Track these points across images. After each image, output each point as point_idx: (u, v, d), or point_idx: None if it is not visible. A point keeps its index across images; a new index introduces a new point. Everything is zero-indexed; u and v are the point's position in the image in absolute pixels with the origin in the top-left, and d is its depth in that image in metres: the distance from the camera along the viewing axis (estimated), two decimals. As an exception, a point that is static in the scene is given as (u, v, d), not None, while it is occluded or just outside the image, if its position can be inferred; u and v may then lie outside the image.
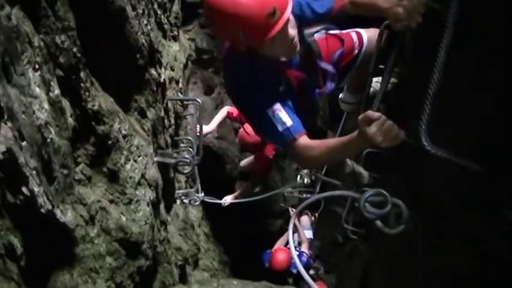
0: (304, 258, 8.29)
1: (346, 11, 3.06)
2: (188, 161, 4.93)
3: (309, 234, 8.99)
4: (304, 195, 8.74)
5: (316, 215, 9.63)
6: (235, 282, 4.93)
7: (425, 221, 2.63)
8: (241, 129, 7.34)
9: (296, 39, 2.88)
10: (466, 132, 2.31)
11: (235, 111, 7.15)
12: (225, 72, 3.38)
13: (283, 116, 2.89)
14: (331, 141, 2.85)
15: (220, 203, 7.23)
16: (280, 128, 2.88)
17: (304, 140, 2.91)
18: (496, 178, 2.05)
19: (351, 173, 3.67)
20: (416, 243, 2.74)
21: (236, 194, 7.99)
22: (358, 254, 4.67)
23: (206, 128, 6.90)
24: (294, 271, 8.26)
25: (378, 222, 2.39)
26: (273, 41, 2.68)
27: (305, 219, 9.37)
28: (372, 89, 3.49)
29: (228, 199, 7.68)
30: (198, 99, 5.45)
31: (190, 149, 5.35)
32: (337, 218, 8.21)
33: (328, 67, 3.57)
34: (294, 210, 9.23)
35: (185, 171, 5.40)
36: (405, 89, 3.56)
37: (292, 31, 2.79)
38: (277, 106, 2.90)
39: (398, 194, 2.43)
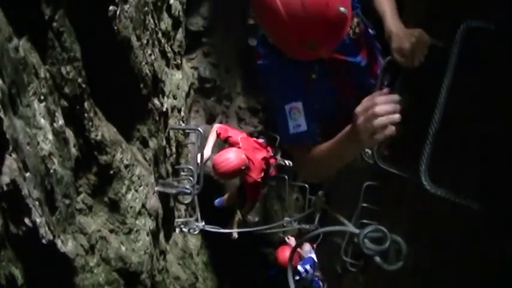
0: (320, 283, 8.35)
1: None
2: (189, 191, 4.93)
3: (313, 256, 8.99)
4: (303, 225, 8.77)
5: (315, 245, 9.62)
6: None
7: (425, 253, 2.63)
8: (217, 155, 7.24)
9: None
10: (468, 172, 2.32)
11: (223, 130, 7.13)
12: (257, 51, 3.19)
13: (300, 119, 2.70)
14: (325, 143, 2.57)
15: (219, 232, 7.19)
16: (291, 130, 2.69)
17: (308, 149, 2.68)
18: (497, 216, 2.06)
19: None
20: (417, 277, 2.73)
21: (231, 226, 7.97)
22: (358, 287, 4.66)
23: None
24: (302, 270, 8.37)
25: (377, 258, 2.40)
26: None
27: (306, 247, 9.36)
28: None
29: (235, 234, 7.67)
30: (199, 128, 5.46)
31: (191, 178, 5.35)
32: (336, 248, 8.22)
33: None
34: (291, 238, 9.24)
35: (186, 202, 5.39)
36: (406, 123, 3.57)
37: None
38: (298, 105, 2.71)
39: (399, 226, 2.45)
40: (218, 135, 7.21)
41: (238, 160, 6.87)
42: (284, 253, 8.40)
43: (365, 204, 4.39)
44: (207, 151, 6.94)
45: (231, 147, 7.16)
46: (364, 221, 5.06)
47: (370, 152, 3.11)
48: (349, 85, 3.03)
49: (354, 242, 5.26)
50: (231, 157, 6.85)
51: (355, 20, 2.87)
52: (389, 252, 2.41)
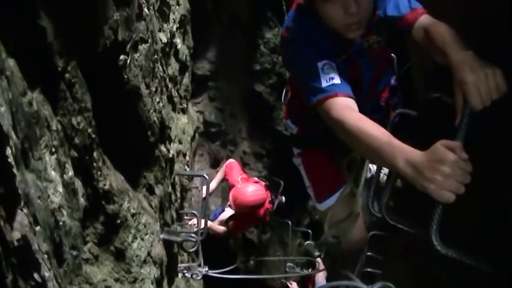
0: None
1: (410, 32, 2.77)
2: (194, 239, 4.92)
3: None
4: (305, 270, 8.71)
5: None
6: None
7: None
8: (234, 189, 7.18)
9: (357, 19, 2.71)
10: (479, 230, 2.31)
11: (228, 169, 7.12)
12: (285, 28, 3.12)
13: (334, 73, 2.66)
14: (374, 128, 2.39)
15: (223, 278, 7.11)
16: (324, 84, 2.63)
17: (346, 101, 2.60)
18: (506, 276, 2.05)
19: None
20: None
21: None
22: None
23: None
24: None
25: (384, 315, 2.38)
26: (323, 5, 2.63)
27: (321, 276, 9.24)
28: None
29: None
30: (205, 175, 5.46)
31: (195, 224, 5.35)
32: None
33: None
34: (293, 283, 9.15)
35: (190, 250, 5.37)
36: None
37: (353, 7, 2.61)
38: (331, 62, 2.70)
39: (403, 279, 2.43)
40: (225, 174, 7.22)
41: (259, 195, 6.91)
42: None
43: (369, 253, 4.36)
44: (213, 185, 6.91)
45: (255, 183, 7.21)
46: (369, 269, 5.04)
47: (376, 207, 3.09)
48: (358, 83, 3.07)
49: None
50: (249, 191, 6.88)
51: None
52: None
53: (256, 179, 7.84)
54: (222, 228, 7.55)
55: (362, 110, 2.70)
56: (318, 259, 9.17)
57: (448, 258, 2.16)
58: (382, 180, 3.57)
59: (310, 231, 9.90)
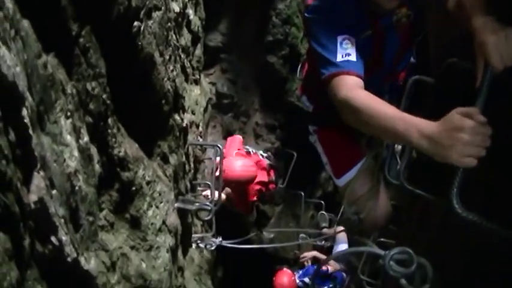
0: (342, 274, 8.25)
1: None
2: (209, 208, 4.91)
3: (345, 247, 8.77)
4: (319, 242, 8.71)
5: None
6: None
7: (448, 283, 2.59)
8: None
9: None
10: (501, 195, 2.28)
11: (229, 144, 7.06)
12: None
13: (351, 49, 2.64)
14: (384, 105, 2.39)
15: (236, 248, 7.09)
16: (338, 58, 2.63)
17: (356, 81, 2.60)
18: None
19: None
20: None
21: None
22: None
23: None
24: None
25: (403, 281, 2.36)
26: None
27: (342, 235, 9.21)
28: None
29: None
30: (218, 144, 5.44)
31: (209, 195, 5.34)
32: (349, 267, 8.17)
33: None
34: (304, 256, 9.13)
35: (205, 218, 5.36)
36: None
37: None
38: (352, 38, 2.68)
39: (417, 250, 2.41)
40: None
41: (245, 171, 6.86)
42: (281, 279, 8.27)
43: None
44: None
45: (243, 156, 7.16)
46: (382, 239, 5.03)
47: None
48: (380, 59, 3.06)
49: (371, 262, 5.23)
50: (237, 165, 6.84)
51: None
52: (414, 276, 2.38)
53: (259, 157, 7.68)
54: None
55: (380, 90, 2.67)
56: (325, 230, 9.19)
57: (464, 226, 2.14)
58: (396, 149, 3.55)
59: (322, 202, 9.91)
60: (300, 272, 8.65)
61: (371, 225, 3.73)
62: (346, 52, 2.63)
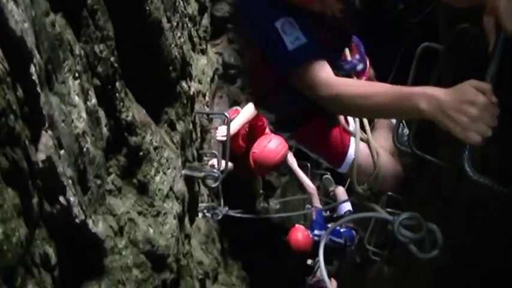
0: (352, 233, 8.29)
1: None
2: (216, 175, 4.90)
3: (348, 206, 8.76)
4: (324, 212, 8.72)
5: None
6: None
7: (457, 250, 2.58)
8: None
9: None
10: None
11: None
12: None
13: (296, 31, 2.37)
14: (374, 85, 2.34)
15: (242, 218, 7.03)
16: (290, 46, 2.35)
17: (323, 67, 2.37)
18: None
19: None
20: (454, 275, 2.68)
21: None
22: (383, 278, 4.62)
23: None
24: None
25: (412, 247, 2.36)
26: None
27: (341, 191, 9.19)
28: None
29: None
30: (225, 113, 5.42)
31: (215, 164, 5.34)
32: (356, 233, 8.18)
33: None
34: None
35: (213, 185, 5.33)
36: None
37: None
38: (289, 19, 2.39)
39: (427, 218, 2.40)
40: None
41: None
42: (295, 235, 8.33)
43: (390, 193, 4.31)
44: (234, 126, 6.33)
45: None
46: (389, 209, 5.02)
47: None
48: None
49: (378, 232, 5.23)
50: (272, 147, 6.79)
51: None
52: (424, 242, 2.37)
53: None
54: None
55: (336, 66, 2.56)
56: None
57: (476, 195, 2.12)
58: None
59: (328, 173, 9.89)
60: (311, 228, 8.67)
61: (388, 188, 3.70)
62: (293, 37, 2.37)
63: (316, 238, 8.25)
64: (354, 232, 8.41)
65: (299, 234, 8.33)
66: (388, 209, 4.92)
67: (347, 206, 8.64)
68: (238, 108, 7.08)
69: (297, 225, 8.70)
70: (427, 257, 2.34)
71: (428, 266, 2.70)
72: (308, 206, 8.72)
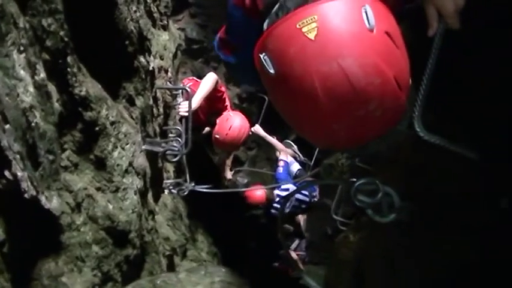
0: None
1: None
2: (177, 149, 4.87)
3: (297, 166, 8.78)
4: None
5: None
6: (223, 270, 4.86)
7: (424, 212, 2.59)
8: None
9: None
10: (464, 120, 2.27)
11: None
12: None
13: None
14: None
15: (209, 193, 7.00)
16: None
17: None
18: (493, 165, 2.02)
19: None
20: (416, 234, 2.70)
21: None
22: (349, 245, 4.65)
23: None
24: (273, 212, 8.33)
25: (369, 211, 2.36)
26: None
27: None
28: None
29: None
30: (187, 87, 5.38)
31: (179, 139, 5.28)
32: (327, 211, 8.21)
33: None
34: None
35: (173, 160, 5.27)
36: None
37: None
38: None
39: (391, 184, 2.40)
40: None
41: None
42: (254, 194, 8.42)
43: (359, 163, 4.31)
44: (196, 99, 6.21)
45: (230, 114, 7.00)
46: (355, 179, 5.03)
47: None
48: None
49: (345, 200, 5.25)
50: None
51: None
52: (381, 206, 2.37)
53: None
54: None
55: None
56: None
57: (438, 155, 2.13)
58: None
59: (295, 146, 9.90)
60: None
61: None
62: None
63: (283, 193, 8.28)
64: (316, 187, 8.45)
65: (256, 191, 8.39)
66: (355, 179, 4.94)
67: (296, 166, 8.64)
68: (194, 77, 7.08)
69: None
70: (384, 220, 2.35)
71: (390, 229, 2.71)
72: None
